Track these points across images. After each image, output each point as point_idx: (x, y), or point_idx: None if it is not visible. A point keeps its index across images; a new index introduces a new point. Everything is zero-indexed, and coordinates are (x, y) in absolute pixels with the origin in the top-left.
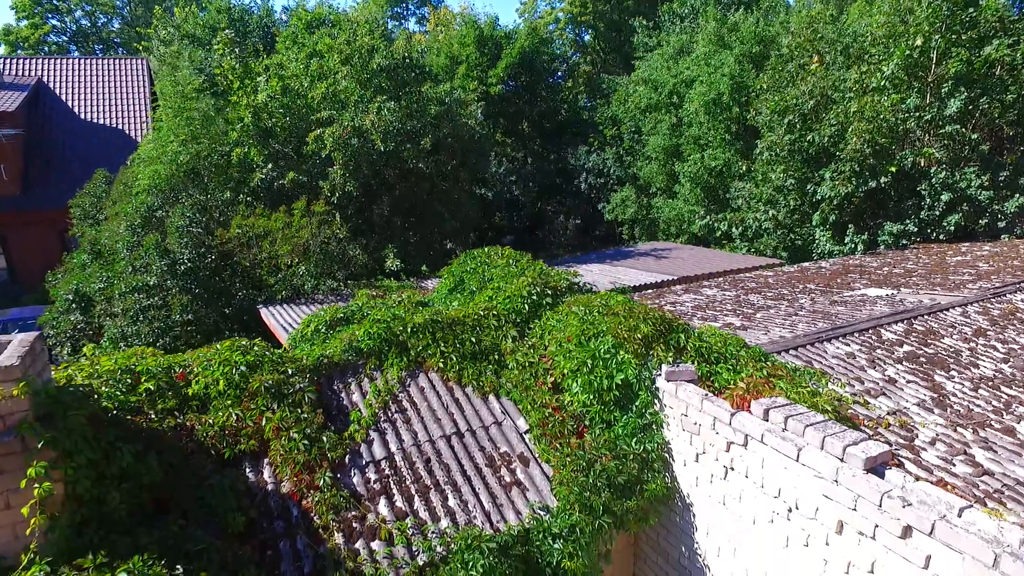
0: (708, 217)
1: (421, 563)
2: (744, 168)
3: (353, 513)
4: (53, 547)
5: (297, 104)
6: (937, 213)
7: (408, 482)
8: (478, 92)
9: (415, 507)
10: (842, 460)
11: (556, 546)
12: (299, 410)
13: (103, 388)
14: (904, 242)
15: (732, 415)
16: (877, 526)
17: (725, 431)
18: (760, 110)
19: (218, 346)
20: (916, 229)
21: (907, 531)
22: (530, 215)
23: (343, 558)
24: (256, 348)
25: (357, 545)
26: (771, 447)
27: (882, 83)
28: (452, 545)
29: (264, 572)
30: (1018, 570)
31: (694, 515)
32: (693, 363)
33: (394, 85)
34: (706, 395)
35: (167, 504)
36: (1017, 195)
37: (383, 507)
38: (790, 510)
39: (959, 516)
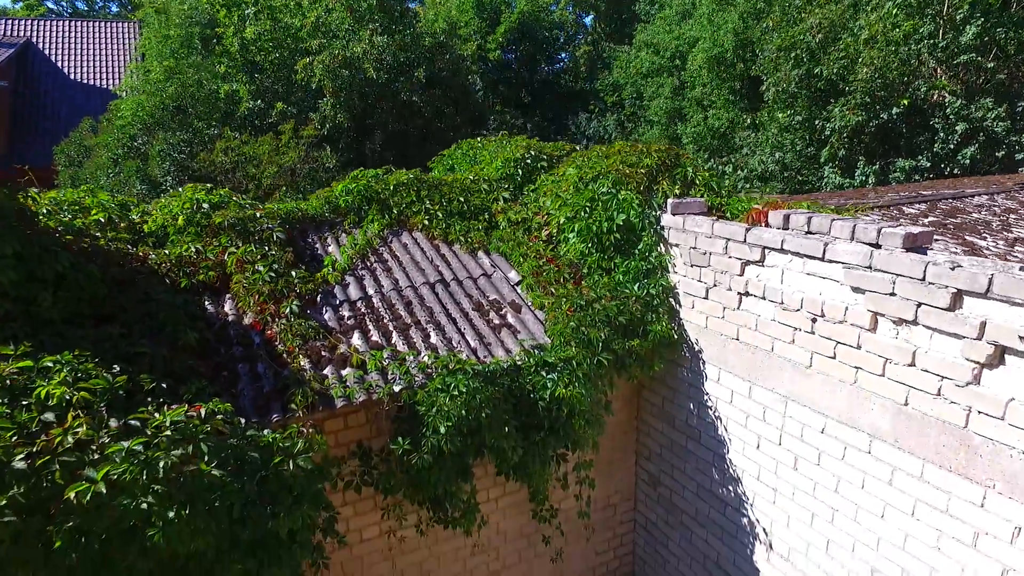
0: (712, 160)
1: (397, 389)
2: (748, 121)
3: (322, 343)
4: None
5: (287, 41)
6: (951, 146)
7: (386, 320)
8: (477, 57)
9: (393, 342)
10: (877, 245)
11: (550, 376)
12: (266, 247)
13: (44, 208)
14: (916, 178)
15: (747, 230)
16: (920, 305)
17: (739, 251)
18: (765, 50)
19: (180, 188)
20: (929, 164)
21: (957, 299)
22: None
23: (308, 379)
24: (223, 191)
25: (326, 371)
26: (792, 252)
27: (893, 11)
28: (433, 373)
29: (218, 388)
30: None
31: (703, 362)
32: (703, 196)
33: (387, 19)
34: (717, 219)
35: (110, 321)
36: None
37: (357, 340)
38: (814, 320)
39: (1020, 271)
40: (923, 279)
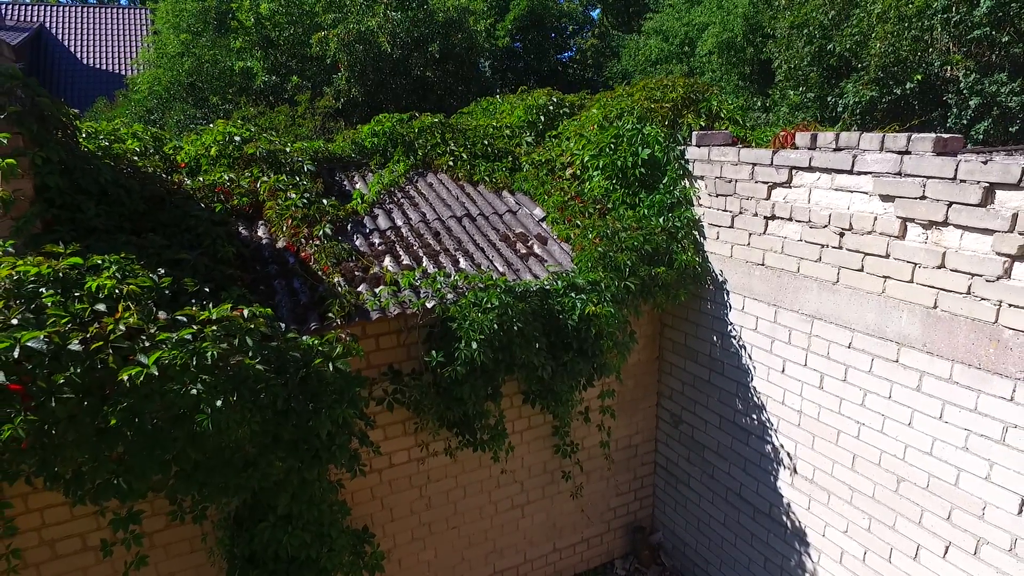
0: None
1: (430, 304)
2: (759, 104)
3: (355, 264)
4: (17, 235)
5: (302, 19)
6: (965, 121)
7: (416, 247)
8: (486, 42)
9: (424, 266)
10: (907, 152)
11: (579, 297)
12: (297, 178)
13: (84, 132)
14: None
15: (774, 153)
16: (951, 204)
17: (766, 174)
18: (777, 28)
19: (211, 125)
20: None
21: (989, 194)
22: None
23: (344, 293)
24: (252, 127)
25: (359, 288)
26: (820, 168)
27: None
28: (464, 291)
29: (256, 299)
30: None
31: (727, 292)
32: (727, 129)
33: None
34: (743, 147)
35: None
36: None
37: (388, 263)
38: (841, 235)
39: None
40: (954, 178)
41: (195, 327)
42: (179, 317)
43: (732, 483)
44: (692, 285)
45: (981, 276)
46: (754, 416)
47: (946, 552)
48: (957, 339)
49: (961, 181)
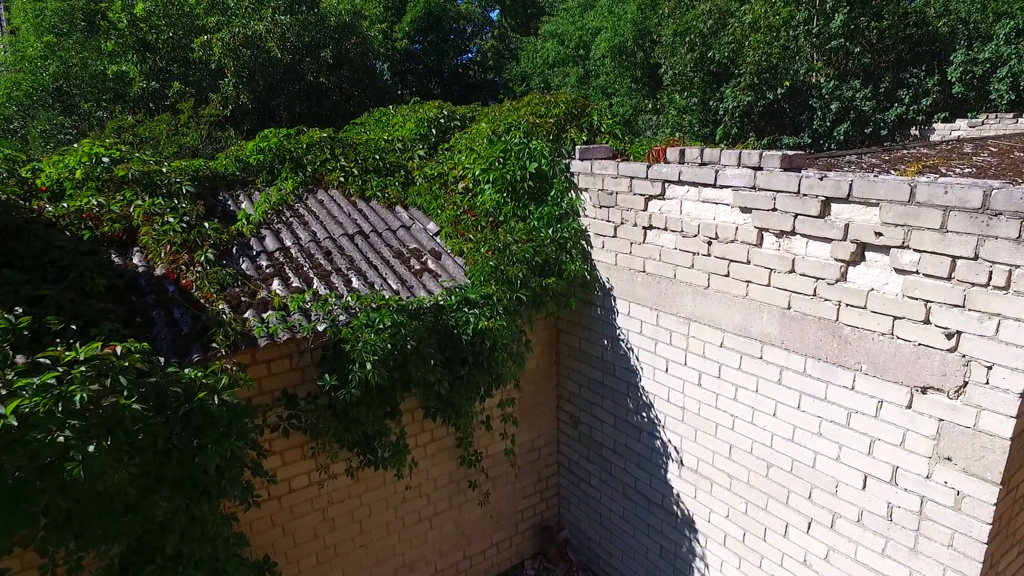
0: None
1: (322, 327)
2: (650, 106)
3: (241, 289)
4: None
5: (182, 20)
6: (828, 123)
7: (306, 268)
8: (385, 46)
9: (315, 287)
10: (760, 168)
11: (473, 312)
12: (175, 200)
13: None
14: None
15: (649, 167)
16: (796, 216)
17: (642, 187)
18: (662, 36)
19: (75, 145)
20: (810, 141)
21: (825, 206)
22: None
23: (228, 321)
24: (123, 147)
25: (246, 315)
26: (689, 182)
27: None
28: (357, 312)
29: (132, 332)
30: (933, 193)
31: (614, 298)
32: (608, 143)
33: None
34: (621, 161)
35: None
36: (896, 105)
37: (277, 286)
38: (709, 244)
39: (875, 177)
40: (798, 192)
41: (60, 369)
42: (41, 360)
43: (628, 478)
44: (582, 292)
45: (824, 280)
46: (644, 414)
47: (809, 527)
48: (808, 336)
49: (804, 195)
